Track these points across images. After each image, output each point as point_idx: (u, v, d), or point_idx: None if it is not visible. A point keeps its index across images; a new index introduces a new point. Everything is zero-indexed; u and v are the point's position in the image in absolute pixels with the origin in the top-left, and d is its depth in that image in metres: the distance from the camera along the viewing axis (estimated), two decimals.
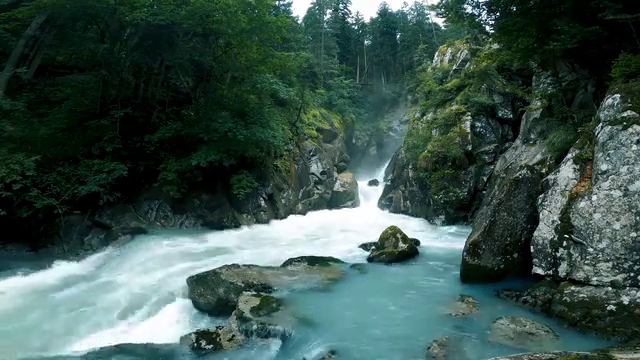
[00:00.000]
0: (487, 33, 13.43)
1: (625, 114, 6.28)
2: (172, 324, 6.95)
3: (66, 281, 9.19)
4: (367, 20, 53.90)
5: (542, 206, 6.93)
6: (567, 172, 6.87)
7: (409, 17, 48.32)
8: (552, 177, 7.09)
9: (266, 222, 16.31)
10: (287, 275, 8.32)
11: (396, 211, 19.49)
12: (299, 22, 38.68)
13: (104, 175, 12.57)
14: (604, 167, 6.20)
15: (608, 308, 5.42)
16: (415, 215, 17.80)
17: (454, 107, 18.23)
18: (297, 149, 21.72)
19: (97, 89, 14.68)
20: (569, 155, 7.17)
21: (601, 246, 5.83)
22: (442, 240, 12.55)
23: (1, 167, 10.40)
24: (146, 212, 14.22)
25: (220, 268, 8.14)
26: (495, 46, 14.07)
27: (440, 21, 39.56)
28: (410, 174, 19.00)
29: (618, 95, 6.62)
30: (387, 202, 21.09)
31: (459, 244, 9.29)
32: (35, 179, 11.24)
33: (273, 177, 18.12)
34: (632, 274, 5.52)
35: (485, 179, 15.95)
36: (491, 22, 12.18)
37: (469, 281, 7.65)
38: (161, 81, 17.00)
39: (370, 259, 10.09)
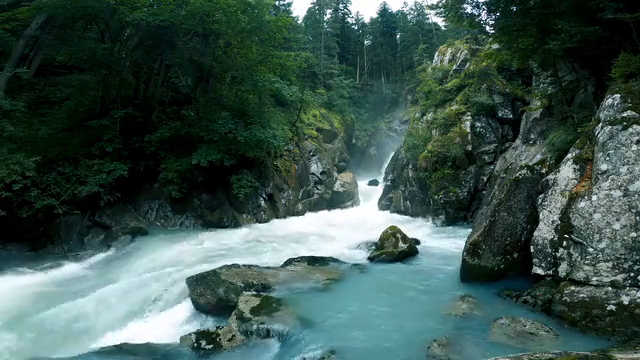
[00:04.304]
0: (487, 33, 13.41)
1: (625, 114, 6.28)
2: (172, 324, 6.96)
3: (66, 281, 9.20)
4: (367, 20, 54.15)
5: (542, 206, 6.93)
6: (567, 172, 6.87)
7: (409, 17, 48.41)
8: (552, 177, 7.09)
9: (266, 222, 16.30)
10: (287, 275, 8.32)
11: (396, 211, 19.48)
12: (299, 22, 38.70)
13: (104, 175, 12.57)
14: (604, 167, 6.20)
15: (608, 308, 5.42)
16: (415, 215, 17.78)
17: (454, 107, 18.21)
18: (297, 149, 21.71)
19: (97, 89, 14.67)
20: (569, 155, 7.17)
21: (601, 246, 5.83)
22: (442, 240, 12.53)
23: (1, 167, 10.39)
24: (146, 212, 14.22)
25: (220, 268, 8.14)
26: (495, 46, 14.05)
27: (440, 21, 39.58)
28: (410, 174, 18.99)
29: (618, 95, 6.63)
30: (387, 202, 21.08)
31: (459, 244, 9.30)
32: (35, 179, 11.23)
33: (273, 177, 18.12)
34: (632, 274, 5.52)
35: (485, 179, 15.94)
36: (491, 22, 12.17)
37: (469, 281, 7.65)
38: (161, 81, 17.02)
39: (370, 259, 10.09)
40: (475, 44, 20.99)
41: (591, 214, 6.06)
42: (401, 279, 8.34)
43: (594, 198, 6.11)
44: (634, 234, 5.61)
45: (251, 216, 16.04)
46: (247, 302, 6.70)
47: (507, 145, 16.23)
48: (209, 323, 6.80)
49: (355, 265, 9.43)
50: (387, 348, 5.22)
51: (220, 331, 5.93)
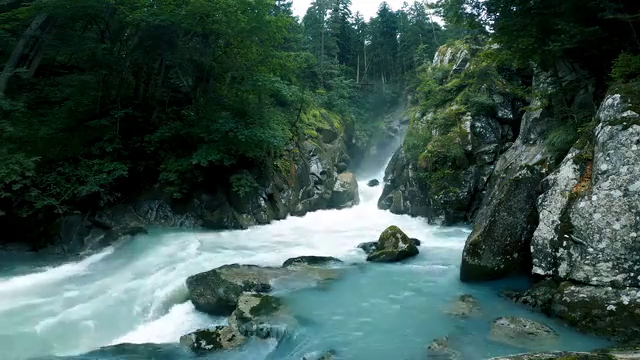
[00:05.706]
0: (487, 33, 13.42)
1: (625, 114, 6.28)
2: (172, 324, 6.95)
3: (66, 281, 9.19)
4: (367, 20, 54.06)
5: (542, 206, 6.93)
6: (567, 172, 6.87)
7: (409, 17, 48.37)
8: (552, 177, 7.09)
9: (266, 222, 16.30)
10: (287, 275, 8.32)
11: (396, 211, 19.48)
12: (299, 22, 38.70)
13: (104, 175, 12.57)
14: (604, 167, 6.20)
15: (608, 308, 5.42)
16: (415, 215, 17.79)
17: (454, 107, 18.21)
18: (297, 149, 21.71)
19: (97, 89, 14.67)
20: (569, 155, 7.17)
21: (601, 246, 5.83)
22: (442, 240, 12.53)
23: (1, 167, 10.38)
24: (146, 212, 14.22)
25: (220, 268, 8.15)
26: (495, 46, 14.05)
27: (440, 20, 39.62)
28: (410, 174, 18.99)
29: (618, 95, 6.63)
30: (387, 202, 21.08)
31: (459, 244, 9.29)
32: (35, 179, 11.23)
33: (273, 177, 18.12)
34: (632, 274, 5.52)
35: (485, 179, 15.94)
36: (491, 22, 12.20)
37: (469, 281, 7.65)
38: (161, 81, 17.02)
39: (370, 259, 10.08)
40: (475, 44, 20.99)
41: (591, 214, 6.06)
42: (401, 279, 8.33)
43: (594, 198, 6.11)
44: (634, 234, 5.61)
45: (251, 216, 16.04)
46: (247, 302, 6.71)
47: (507, 145, 16.23)
48: (209, 323, 6.79)
49: (355, 265, 9.43)
50: (387, 348, 5.22)
51: (220, 331, 5.93)
